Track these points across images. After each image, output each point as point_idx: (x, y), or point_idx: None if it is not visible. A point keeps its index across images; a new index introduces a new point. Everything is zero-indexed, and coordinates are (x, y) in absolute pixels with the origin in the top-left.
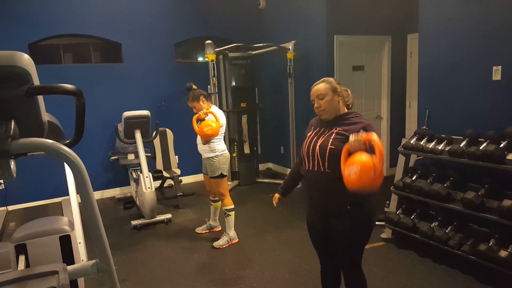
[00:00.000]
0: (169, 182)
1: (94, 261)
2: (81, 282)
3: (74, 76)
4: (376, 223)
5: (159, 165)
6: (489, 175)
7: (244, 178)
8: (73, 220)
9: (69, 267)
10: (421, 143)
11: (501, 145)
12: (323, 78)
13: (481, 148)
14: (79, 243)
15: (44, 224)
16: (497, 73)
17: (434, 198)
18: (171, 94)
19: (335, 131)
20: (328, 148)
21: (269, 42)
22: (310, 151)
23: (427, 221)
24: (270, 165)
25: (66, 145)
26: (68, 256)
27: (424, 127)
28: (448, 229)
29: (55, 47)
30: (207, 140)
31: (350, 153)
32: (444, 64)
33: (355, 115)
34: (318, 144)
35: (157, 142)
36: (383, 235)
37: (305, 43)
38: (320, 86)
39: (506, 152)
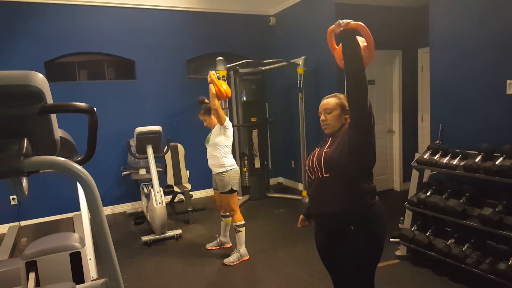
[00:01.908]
0: (180, 197)
1: (103, 280)
2: None
3: (89, 93)
4: (391, 239)
5: (170, 180)
6: (506, 190)
7: (255, 192)
8: (84, 236)
9: (78, 287)
10: (435, 158)
11: None
12: (335, 93)
13: (497, 163)
14: (89, 259)
15: (55, 241)
16: (511, 87)
17: (449, 215)
18: (183, 110)
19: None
20: (323, 153)
21: (279, 58)
22: (311, 163)
23: (443, 238)
24: (281, 179)
25: (78, 162)
26: (78, 273)
27: (438, 141)
28: (465, 246)
29: (71, 65)
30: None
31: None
32: (456, 77)
33: None
34: (316, 154)
35: (168, 157)
36: (397, 253)
37: (315, 58)
38: (330, 101)
39: None
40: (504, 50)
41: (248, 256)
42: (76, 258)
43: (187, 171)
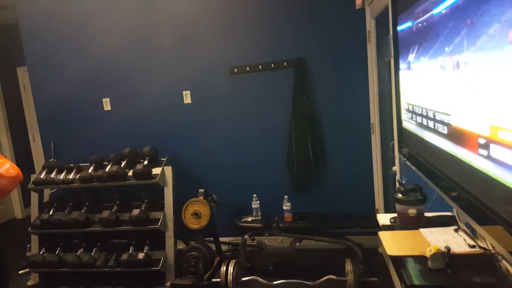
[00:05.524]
0: None
1: None
2: None
3: None
4: (20, 272)
5: None
6: (118, 192)
7: None
8: None
9: None
10: (52, 175)
11: (122, 165)
12: None
13: (106, 170)
14: None
15: None
16: (107, 104)
17: (74, 227)
18: None
19: None
20: None
21: None
22: None
23: (73, 251)
24: None
25: None
26: None
27: (52, 159)
28: (93, 251)
29: None
30: None
31: None
32: (60, 97)
33: None
34: None
35: None
36: (30, 283)
37: None
38: None
39: (127, 170)
40: (101, 73)
41: None
42: None
43: None
